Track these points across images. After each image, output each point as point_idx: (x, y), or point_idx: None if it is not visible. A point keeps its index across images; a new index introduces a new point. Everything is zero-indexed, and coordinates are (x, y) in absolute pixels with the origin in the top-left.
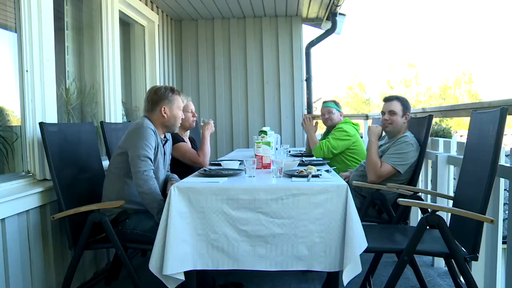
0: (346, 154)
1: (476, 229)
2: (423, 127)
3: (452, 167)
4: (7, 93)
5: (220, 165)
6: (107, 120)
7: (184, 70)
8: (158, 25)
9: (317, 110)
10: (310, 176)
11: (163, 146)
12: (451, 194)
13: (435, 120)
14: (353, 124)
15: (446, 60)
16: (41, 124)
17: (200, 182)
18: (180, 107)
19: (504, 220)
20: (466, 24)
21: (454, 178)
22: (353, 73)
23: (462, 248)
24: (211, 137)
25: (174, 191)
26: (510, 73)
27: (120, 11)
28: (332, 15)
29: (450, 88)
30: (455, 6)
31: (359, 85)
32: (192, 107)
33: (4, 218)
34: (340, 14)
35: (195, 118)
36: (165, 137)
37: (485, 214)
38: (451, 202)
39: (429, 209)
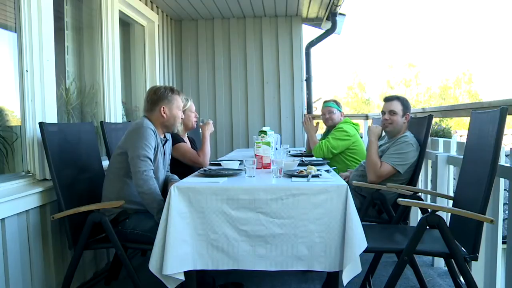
0: (346, 154)
1: (476, 229)
2: (423, 127)
3: (452, 167)
4: (7, 93)
5: (220, 165)
6: (107, 120)
7: (184, 70)
8: (158, 25)
9: (317, 110)
10: (310, 176)
11: (163, 146)
12: (451, 194)
13: (435, 120)
14: (353, 124)
15: (446, 60)
16: (41, 124)
17: (200, 182)
18: (179, 107)
19: (504, 220)
20: (466, 24)
21: (454, 178)
22: (353, 73)
23: (462, 248)
24: (211, 137)
25: (174, 191)
26: (510, 73)
27: (120, 11)
28: (332, 15)
29: (450, 88)
30: (455, 6)
31: (359, 85)
32: (193, 108)
33: (4, 218)
34: (340, 14)
35: (196, 119)
36: (165, 137)
37: (485, 214)
38: (451, 202)
39: (429, 209)
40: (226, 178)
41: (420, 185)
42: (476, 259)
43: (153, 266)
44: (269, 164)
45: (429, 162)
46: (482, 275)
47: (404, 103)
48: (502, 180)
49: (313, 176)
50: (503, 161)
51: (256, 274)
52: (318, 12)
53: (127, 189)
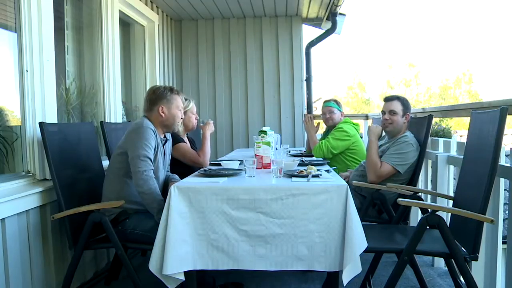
0: (346, 154)
1: (476, 229)
2: (423, 127)
3: (452, 167)
4: (7, 93)
5: (220, 165)
6: (107, 120)
7: (184, 70)
8: (158, 25)
9: (317, 110)
10: (310, 176)
11: (163, 146)
12: (451, 194)
13: (435, 120)
14: (353, 124)
15: (446, 60)
16: (41, 124)
17: (200, 182)
18: (179, 107)
19: (504, 220)
20: (466, 24)
21: (454, 178)
22: (353, 73)
23: (462, 248)
24: (211, 137)
25: (174, 191)
26: (510, 73)
27: (120, 11)
28: (332, 15)
29: (450, 88)
30: (455, 6)
31: (359, 85)
32: (195, 109)
33: (4, 218)
34: (340, 14)
35: (197, 121)
36: (165, 137)
37: (485, 214)
38: (451, 202)
39: (429, 209)
40: (226, 178)
41: (420, 185)
42: (476, 259)
43: (153, 266)
44: (269, 164)
45: (429, 162)
46: (482, 275)
47: (404, 103)
48: (502, 180)
49: (313, 176)
50: (503, 161)
51: (256, 274)
52: (318, 12)
53: (127, 189)
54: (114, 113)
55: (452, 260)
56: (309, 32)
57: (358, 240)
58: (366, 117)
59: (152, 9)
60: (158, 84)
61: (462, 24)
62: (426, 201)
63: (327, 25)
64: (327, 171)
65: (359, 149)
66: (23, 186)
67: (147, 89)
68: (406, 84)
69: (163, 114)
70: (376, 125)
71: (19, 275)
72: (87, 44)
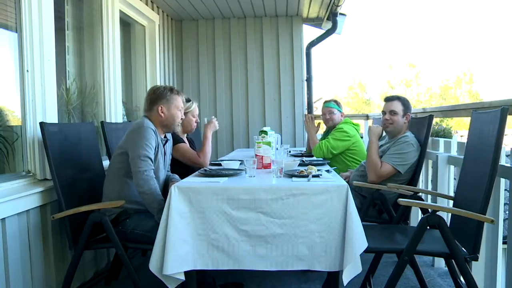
0: (346, 155)
1: (477, 229)
2: (423, 127)
3: (452, 167)
4: (7, 93)
5: (220, 165)
6: (108, 120)
7: (185, 70)
8: (159, 25)
9: (317, 110)
10: (310, 176)
11: (164, 146)
12: (451, 194)
13: (435, 120)
14: (353, 124)
15: (447, 60)
16: (41, 124)
17: (200, 182)
18: (179, 107)
19: (504, 220)
20: (466, 24)
21: (455, 178)
22: (353, 73)
23: (463, 248)
24: (212, 137)
25: (174, 191)
26: (511, 73)
27: (121, 11)
28: (332, 15)
29: (450, 88)
30: (455, 6)
31: (359, 85)
32: (197, 112)
33: (4, 218)
34: (341, 14)
35: (196, 124)
36: (165, 137)
37: (485, 214)
38: (451, 202)
39: (429, 209)
40: (226, 178)
41: (421, 185)
42: (476, 259)
43: (153, 266)
44: (270, 164)
45: (430, 162)
46: (483, 275)
47: (405, 103)
48: (502, 180)
49: (314, 176)
50: (503, 161)
51: (256, 274)
52: (319, 12)
53: (128, 189)
54: (114, 113)
55: (453, 260)
56: (309, 32)
57: (359, 240)
58: (367, 117)
59: (153, 9)
60: (158, 84)
61: (462, 24)
62: (427, 201)
63: (328, 25)
64: (328, 171)
65: (359, 150)
66: (23, 186)
67: (148, 89)
68: (406, 84)
69: (162, 114)
70: (376, 125)
71: (19, 275)
72: (87, 44)
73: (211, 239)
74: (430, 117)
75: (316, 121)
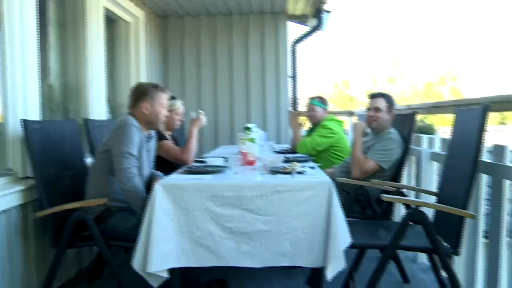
0: (331, 152)
1: (458, 224)
2: (407, 123)
3: (435, 163)
4: None
5: (204, 162)
6: (91, 117)
7: (170, 67)
8: (144, 21)
9: (301, 107)
10: (294, 172)
11: (148, 143)
12: (434, 190)
13: (419, 117)
14: (337, 121)
15: (430, 58)
16: (23, 121)
17: (184, 179)
18: (163, 104)
19: (485, 215)
20: (450, 23)
21: (438, 175)
22: (337, 70)
23: (445, 244)
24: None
25: (158, 188)
26: (492, 71)
27: (105, 7)
28: (317, 12)
29: (435, 85)
30: (438, 4)
31: (343, 82)
32: (182, 111)
33: None
34: (326, 11)
35: (180, 123)
36: (149, 134)
37: (467, 210)
38: (433, 198)
39: (412, 205)
40: (210, 175)
41: (404, 181)
42: (458, 254)
43: (136, 264)
44: (254, 160)
45: (413, 158)
46: (463, 269)
47: (389, 100)
48: (484, 176)
49: (298, 172)
50: (485, 157)
51: (240, 271)
52: (304, 9)
53: (111, 187)
54: (98, 110)
55: (435, 255)
56: (295, 29)
57: (342, 236)
58: (351, 113)
59: (137, 6)
60: (143, 81)
61: (446, 22)
62: (410, 196)
63: (313, 22)
64: (312, 167)
65: (343, 146)
66: (4, 184)
67: (132, 86)
68: (390, 81)
69: (146, 111)
70: (360, 122)
71: None
72: (71, 41)
73: (195, 236)
74: (414, 114)
75: (301, 118)
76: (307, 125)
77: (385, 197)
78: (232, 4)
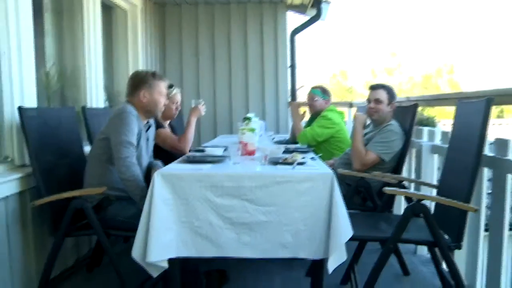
0: (331, 143)
1: (460, 218)
2: (408, 116)
3: (436, 156)
4: None
5: (203, 151)
6: (89, 105)
7: (167, 55)
8: (141, 9)
9: (300, 97)
10: (295, 163)
11: (146, 132)
12: (435, 183)
13: (418, 110)
14: (338, 112)
15: (428, 50)
16: (20, 108)
17: (183, 168)
18: (161, 93)
19: (487, 208)
20: (448, 15)
21: (439, 168)
22: (336, 60)
23: (446, 237)
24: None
25: (157, 177)
26: (490, 64)
27: None
28: (317, 2)
29: (432, 76)
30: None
31: (342, 73)
32: (178, 99)
33: None
34: (325, 1)
35: (176, 111)
36: (147, 122)
37: (469, 203)
38: (434, 190)
39: (414, 198)
40: (210, 165)
41: (404, 173)
42: (460, 247)
43: (136, 253)
44: (254, 151)
45: (414, 151)
46: (464, 262)
47: (390, 91)
48: (485, 170)
49: (299, 163)
50: (487, 151)
51: (240, 262)
52: None
53: (110, 175)
54: (96, 98)
55: (436, 248)
56: (293, 19)
57: (344, 228)
58: (350, 105)
59: None
60: (140, 69)
61: (445, 15)
62: (410, 189)
63: (312, 12)
64: (312, 158)
65: (343, 137)
66: (1, 172)
67: (130, 74)
68: (388, 73)
69: (144, 99)
70: (361, 113)
71: None
72: (68, 28)
73: (195, 226)
74: (415, 106)
75: (302, 109)
76: (307, 116)
77: (388, 189)
78: None
